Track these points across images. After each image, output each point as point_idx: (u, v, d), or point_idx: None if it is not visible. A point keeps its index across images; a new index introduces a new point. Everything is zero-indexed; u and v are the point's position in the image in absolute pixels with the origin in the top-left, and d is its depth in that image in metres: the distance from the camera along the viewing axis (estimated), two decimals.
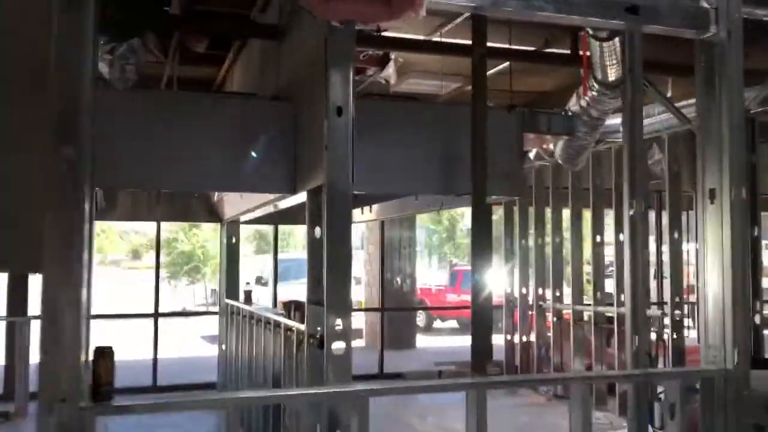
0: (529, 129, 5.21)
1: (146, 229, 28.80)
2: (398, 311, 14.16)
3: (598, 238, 8.10)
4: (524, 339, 9.43)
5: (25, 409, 7.80)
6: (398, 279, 14.25)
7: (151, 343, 9.43)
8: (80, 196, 2.28)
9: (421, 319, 18.63)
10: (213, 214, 8.32)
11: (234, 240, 8.13)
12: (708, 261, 3.01)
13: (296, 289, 15.94)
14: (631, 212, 3.51)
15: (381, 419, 3.06)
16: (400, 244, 14.52)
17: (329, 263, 4.08)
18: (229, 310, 7.63)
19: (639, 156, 3.57)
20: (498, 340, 10.13)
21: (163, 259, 31.61)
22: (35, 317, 8.89)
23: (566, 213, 8.75)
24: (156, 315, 9.54)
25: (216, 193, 7.36)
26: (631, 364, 3.34)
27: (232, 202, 7.26)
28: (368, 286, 15.08)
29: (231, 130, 4.48)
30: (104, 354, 2.10)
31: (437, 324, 19.66)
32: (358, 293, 15.74)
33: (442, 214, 28.23)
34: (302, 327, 4.72)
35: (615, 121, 6.35)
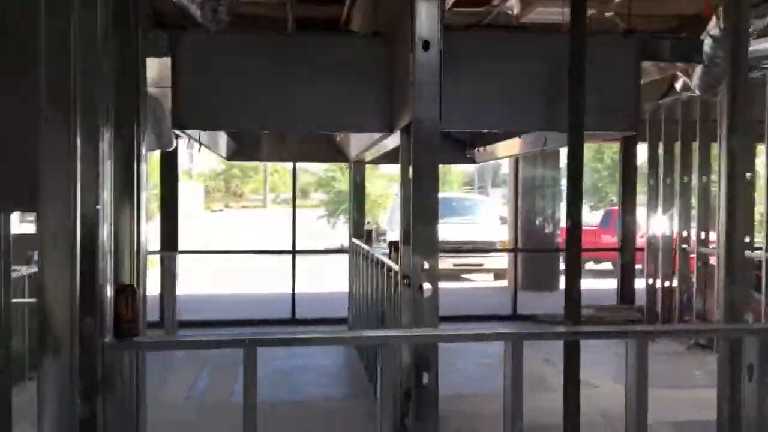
0: (649, 57, 4.73)
1: (316, 168, 29.88)
2: (537, 252, 13.81)
3: (748, 176, 7.33)
4: (666, 284, 8.86)
5: (174, 335, 8.46)
6: (539, 219, 13.84)
7: (289, 278, 9.86)
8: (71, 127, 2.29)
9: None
10: (341, 153, 8.42)
11: (359, 179, 8.21)
12: None
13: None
14: None
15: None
16: (543, 182, 14.05)
17: (415, 203, 4.00)
18: (353, 250, 7.77)
19: None
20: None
21: (322, 197, 32.89)
22: (182, 252, 9.57)
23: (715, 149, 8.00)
24: (294, 252, 9.92)
25: (338, 134, 7.43)
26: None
27: (353, 142, 7.30)
28: (511, 226, 14.80)
29: (327, 69, 4.44)
30: (124, 291, 2.17)
31: (590, 266, 19.01)
32: (501, 233, 15.52)
33: (605, 151, 26.99)
34: (397, 267, 4.71)
35: (763, 45, 5.64)
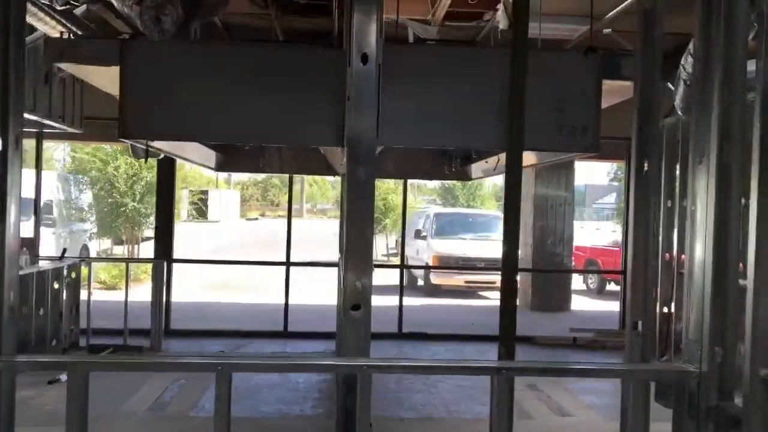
0: (610, 75, 4.54)
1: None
2: (547, 273, 13.55)
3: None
4: (665, 309, 8.54)
5: (158, 344, 8.45)
6: (550, 239, 13.58)
7: (284, 290, 9.81)
8: None
9: (593, 281, 17.72)
10: (330, 167, 8.34)
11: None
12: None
13: (452, 244, 15.84)
14: None
15: None
16: (556, 201, 13.79)
17: (348, 218, 3.88)
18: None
19: None
20: None
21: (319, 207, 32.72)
22: (175, 260, 9.57)
23: None
24: (288, 264, 9.85)
25: (321, 147, 7.33)
26: None
27: (335, 156, 7.20)
28: (524, 245, 14.55)
29: (282, 81, 4.34)
30: None
31: (611, 287, 18.58)
32: None
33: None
34: None
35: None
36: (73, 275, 8.22)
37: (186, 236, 21.75)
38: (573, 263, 18.98)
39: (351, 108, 3.91)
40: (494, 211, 22.08)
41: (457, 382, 7.22)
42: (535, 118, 4.39)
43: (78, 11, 5.73)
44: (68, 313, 8.10)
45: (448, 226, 16.94)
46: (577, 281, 16.93)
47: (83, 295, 8.53)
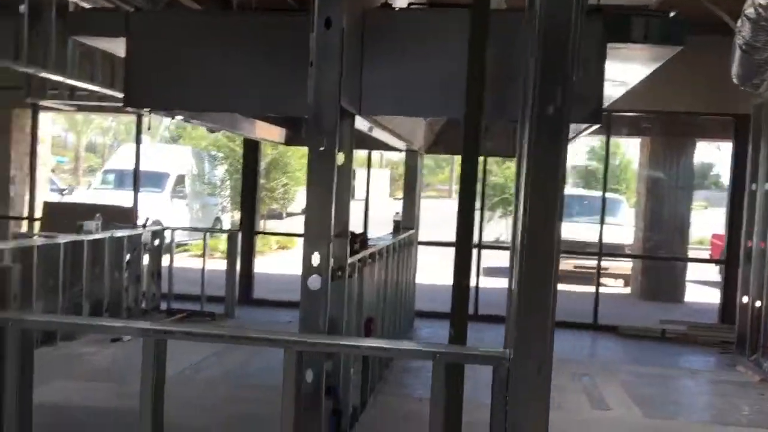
0: (617, 38, 4.10)
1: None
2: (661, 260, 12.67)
3: None
4: (758, 303, 7.73)
5: (232, 311, 8.79)
6: (666, 224, 12.66)
7: None
8: None
9: (716, 271, 16.34)
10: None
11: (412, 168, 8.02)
12: None
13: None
14: None
15: None
16: (675, 183, 12.81)
17: (309, 188, 3.82)
18: None
19: None
20: None
21: (477, 189, 32.73)
22: (258, 233, 9.88)
23: None
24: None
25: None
26: None
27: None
28: (636, 228, 13.69)
29: (280, 49, 4.32)
30: None
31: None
32: (624, 235, 14.36)
33: None
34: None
35: None
36: (156, 242, 8.71)
37: None
38: (710, 253, 17.64)
39: (313, 74, 3.84)
40: (614, 195, 20.92)
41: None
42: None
43: None
44: (149, 278, 8.61)
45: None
46: (711, 271, 15.66)
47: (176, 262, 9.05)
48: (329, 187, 3.79)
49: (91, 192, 18.80)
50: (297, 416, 3.82)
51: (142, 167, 18.19)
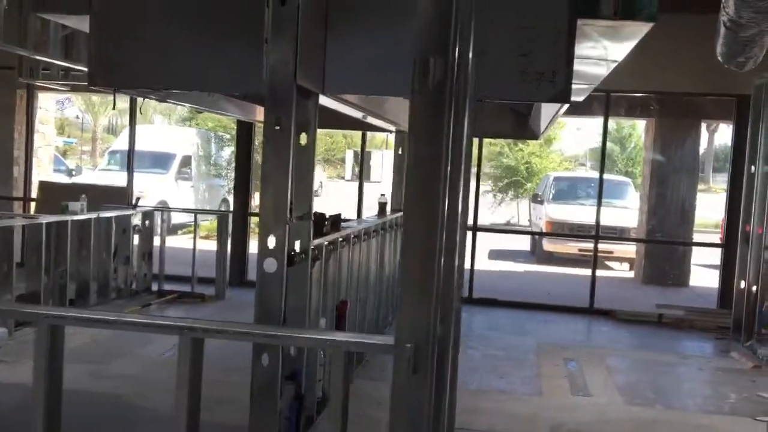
0: (586, 13, 3.95)
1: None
2: (659, 244, 12.48)
3: None
4: (753, 288, 7.56)
5: (222, 293, 8.75)
6: (671, 208, 12.45)
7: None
8: None
9: None
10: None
11: (400, 150, 7.88)
12: None
13: (568, 209, 14.98)
14: None
15: None
16: (680, 166, 12.57)
17: (263, 170, 3.74)
18: None
19: None
20: None
21: (489, 171, 32.46)
22: (251, 214, 9.83)
23: None
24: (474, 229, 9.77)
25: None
26: None
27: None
28: (640, 212, 13.47)
29: (217, 25, 4.19)
30: None
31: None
32: (630, 219, 14.15)
33: None
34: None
35: None
36: (147, 223, 8.67)
37: (341, 194, 22.54)
38: (720, 237, 17.36)
39: (269, 52, 3.74)
40: (621, 177, 20.66)
41: (485, 352, 6.85)
42: (492, 63, 3.97)
43: None
44: (140, 259, 8.58)
45: (567, 191, 16.05)
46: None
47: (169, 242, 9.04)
48: (285, 169, 3.71)
49: (97, 173, 18.86)
50: (255, 401, 3.79)
51: (148, 148, 18.43)
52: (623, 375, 6.39)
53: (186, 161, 18.70)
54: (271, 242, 3.71)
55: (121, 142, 19.56)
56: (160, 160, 18.01)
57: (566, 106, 4.87)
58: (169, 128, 23.97)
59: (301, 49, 3.69)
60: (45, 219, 6.83)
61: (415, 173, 2.28)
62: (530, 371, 6.30)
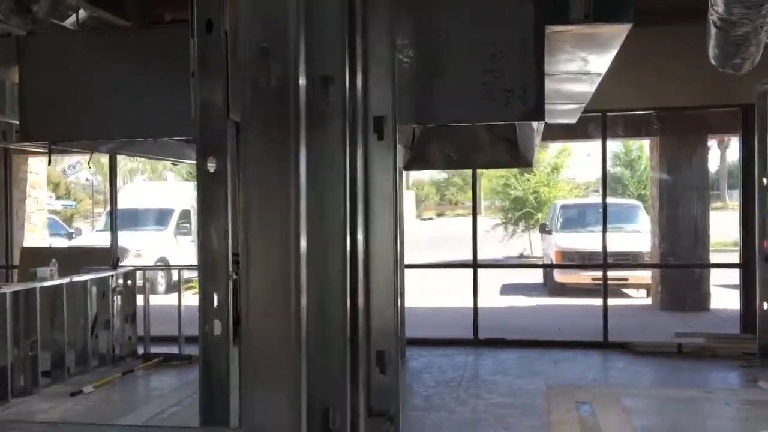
0: (555, 20, 3.53)
1: (490, 174, 28.91)
2: (672, 267, 11.89)
3: None
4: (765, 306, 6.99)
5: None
6: (684, 230, 11.89)
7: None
8: None
9: None
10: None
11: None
12: None
13: (578, 237, 14.42)
14: None
15: None
16: (691, 186, 12.03)
17: (199, 217, 3.30)
18: None
19: None
20: None
21: (498, 204, 31.94)
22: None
23: None
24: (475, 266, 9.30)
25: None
26: None
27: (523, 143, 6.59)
28: (653, 235, 12.90)
29: (146, 67, 3.85)
30: None
31: None
32: (643, 243, 13.56)
33: None
34: None
35: None
36: (129, 283, 8.24)
37: None
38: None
39: (196, 86, 3.33)
40: (630, 200, 20.08)
41: (490, 400, 6.30)
42: (455, 82, 3.56)
43: None
44: (122, 322, 8.13)
45: (576, 219, 15.52)
46: None
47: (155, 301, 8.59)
48: (223, 214, 3.28)
49: (94, 234, 18.55)
50: None
51: (147, 206, 18.17)
52: (642, 417, 5.80)
53: (185, 215, 18.38)
54: (215, 302, 3.27)
55: (120, 202, 19.32)
56: (158, 217, 17.72)
57: (542, 124, 4.44)
58: (168, 183, 23.74)
59: (232, 80, 3.28)
60: (9, 288, 6.42)
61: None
62: (538, 419, 5.73)
